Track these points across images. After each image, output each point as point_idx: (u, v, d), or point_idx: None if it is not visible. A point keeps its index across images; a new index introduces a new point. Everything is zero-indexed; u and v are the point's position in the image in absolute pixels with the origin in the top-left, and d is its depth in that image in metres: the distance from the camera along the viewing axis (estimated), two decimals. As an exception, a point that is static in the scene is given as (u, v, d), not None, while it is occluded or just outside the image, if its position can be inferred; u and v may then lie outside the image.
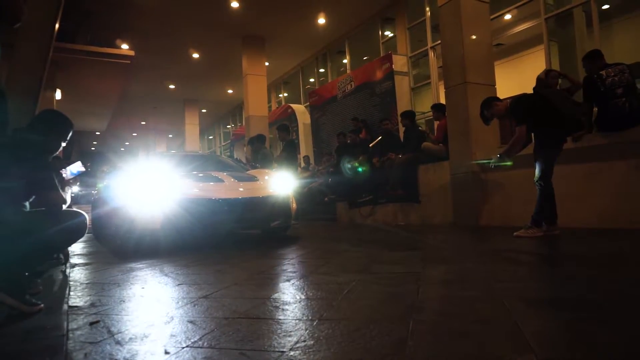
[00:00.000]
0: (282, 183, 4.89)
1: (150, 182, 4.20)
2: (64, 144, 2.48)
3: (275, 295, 2.10)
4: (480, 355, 1.24)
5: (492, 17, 6.90)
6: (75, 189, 7.14)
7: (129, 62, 10.91)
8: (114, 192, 5.03)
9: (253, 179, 4.88)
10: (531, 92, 4.61)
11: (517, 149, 4.00)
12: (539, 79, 5.35)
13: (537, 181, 3.85)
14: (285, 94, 15.91)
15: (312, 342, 1.37)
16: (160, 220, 3.90)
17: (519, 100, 4.14)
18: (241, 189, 4.55)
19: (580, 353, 1.23)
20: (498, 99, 4.45)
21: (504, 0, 8.12)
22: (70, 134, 2.48)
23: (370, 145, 7.61)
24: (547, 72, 5.40)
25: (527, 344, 1.27)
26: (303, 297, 2.03)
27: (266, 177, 4.97)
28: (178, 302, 2.00)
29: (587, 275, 2.31)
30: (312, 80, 14.19)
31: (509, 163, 4.03)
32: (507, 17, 8.53)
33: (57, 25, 5.20)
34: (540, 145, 3.92)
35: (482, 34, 5.93)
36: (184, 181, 4.40)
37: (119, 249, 4.32)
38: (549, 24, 7.59)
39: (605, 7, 7.39)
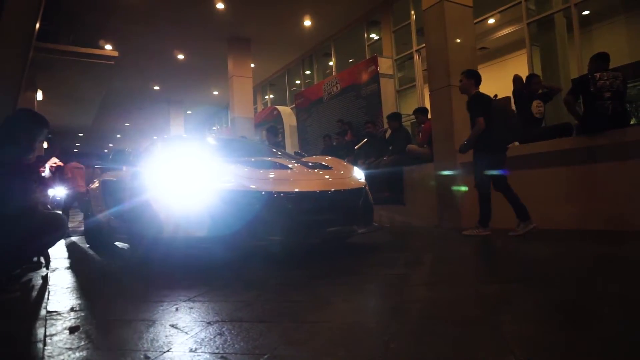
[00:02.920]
0: (359, 173, 3.81)
1: (191, 170, 3.04)
2: (40, 144, 2.43)
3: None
4: (461, 356, 1.25)
5: (475, 21, 6.98)
6: (63, 191, 6.95)
7: (112, 62, 10.77)
8: (128, 186, 3.78)
9: (326, 166, 3.76)
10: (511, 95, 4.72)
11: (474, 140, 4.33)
12: (517, 80, 5.45)
13: (475, 186, 4.30)
14: (271, 96, 15.88)
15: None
16: (207, 224, 2.76)
17: (482, 96, 4.44)
18: (328, 177, 3.46)
19: (560, 355, 1.24)
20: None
21: (487, 5, 8.22)
22: (45, 134, 2.44)
23: (356, 147, 7.63)
24: (531, 78, 5.49)
25: (507, 346, 1.28)
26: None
27: (339, 164, 3.88)
28: (162, 305, 1.98)
29: (576, 277, 2.35)
30: (298, 82, 14.19)
31: (463, 188, 4.29)
32: (491, 21, 8.64)
33: (37, 25, 5.11)
34: (478, 149, 4.27)
35: (466, 37, 6.00)
36: (239, 169, 3.18)
37: (136, 265, 3.44)
38: (531, 28, 7.71)
39: (586, 12, 7.54)
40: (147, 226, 3.08)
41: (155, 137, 5.03)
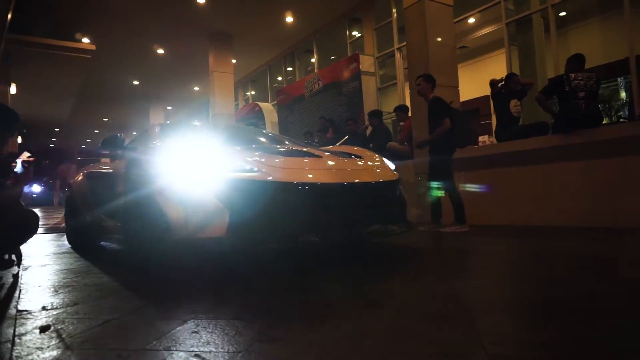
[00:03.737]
0: (390, 163, 3.43)
1: (206, 157, 2.60)
2: (13, 138, 2.37)
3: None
4: (435, 350, 1.27)
5: (455, 20, 7.06)
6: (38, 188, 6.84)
7: (89, 56, 10.55)
8: (124, 177, 3.20)
9: (357, 156, 3.36)
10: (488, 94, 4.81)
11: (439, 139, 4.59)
12: (494, 84, 5.55)
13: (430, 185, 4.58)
14: (253, 92, 15.78)
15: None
16: (226, 222, 2.31)
17: (443, 99, 4.75)
18: (364, 167, 3.08)
19: (531, 350, 1.27)
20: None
21: (467, 4, 8.31)
22: (16, 128, 2.37)
23: (337, 144, 7.64)
24: (510, 77, 5.58)
25: (480, 341, 1.30)
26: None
27: (369, 154, 3.53)
28: (134, 303, 1.95)
29: (553, 274, 2.40)
30: (279, 78, 14.12)
31: (440, 194, 4.50)
32: (471, 20, 8.74)
33: (9, 16, 4.95)
34: (437, 150, 4.54)
35: (446, 36, 6.06)
36: (265, 157, 2.76)
37: (129, 269, 3.01)
38: (509, 28, 7.83)
39: (562, 14, 7.68)
40: (149, 225, 2.58)
41: (155, 123, 4.40)
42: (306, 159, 2.96)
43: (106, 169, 4.03)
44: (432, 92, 4.77)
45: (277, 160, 2.78)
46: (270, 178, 2.49)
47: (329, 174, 2.75)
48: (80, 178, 4.58)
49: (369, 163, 3.22)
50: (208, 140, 3.43)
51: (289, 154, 3.08)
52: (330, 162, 2.97)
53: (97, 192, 4.01)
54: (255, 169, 2.52)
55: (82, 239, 4.35)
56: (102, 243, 4.53)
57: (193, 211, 2.39)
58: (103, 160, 5.04)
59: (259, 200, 2.40)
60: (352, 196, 2.74)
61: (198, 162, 2.55)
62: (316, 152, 3.23)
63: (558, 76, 4.78)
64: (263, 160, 2.69)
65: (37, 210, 3.43)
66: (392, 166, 3.36)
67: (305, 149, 3.39)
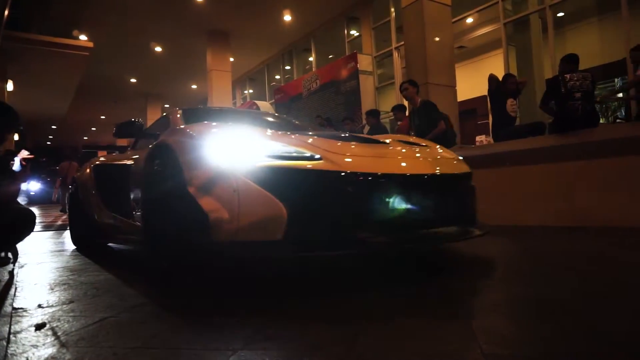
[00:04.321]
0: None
1: (256, 143, 2.09)
2: (10, 136, 2.36)
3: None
4: (429, 351, 1.27)
5: (453, 20, 7.07)
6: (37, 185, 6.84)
7: (87, 53, 10.53)
8: (144, 170, 2.60)
9: (421, 145, 2.91)
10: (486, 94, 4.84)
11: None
12: (492, 79, 5.56)
13: None
14: (251, 91, 15.77)
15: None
16: (284, 222, 1.86)
17: (432, 102, 5.03)
18: (438, 157, 2.65)
19: (528, 349, 1.28)
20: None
21: (465, 4, 8.33)
22: (14, 126, 2.37)
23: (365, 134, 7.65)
24: (507, 78, 5.60)
25: (475, 340, 1.30)
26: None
27: (432, 143, 3.07)
28: (130, 302, 1.95)
29: (550, 273, 2.41)
30: (277, 77, 14.12)
31: None
32: (469, 20, 8.76)
33: (6, 12, 4.93)
34: None
35: (444, 36, 6.07)
36: (327, 143, 2.30)
37: (133, 272, 2.78)
38: (507, 28, 7.86)
39: (560, 14, 7.71)
40: (181, 225, 2.13)
41: (176, 108, 3.63)
42: (373, 146, 2.54)
43: (118, 161, 3.58)
44: (417, 95, 5.08)
45: (340, 146, 2.32)
46: (341, 167, 2.01)
47: (410, 164, 2.31)
48: (85, 172, 4.12)
49: (441, 152, 2.79)
50: (247, 124, 2.89)
51: (351, 139, 2.62)
52: (402, 150, 2.54)
53: (106, 187, 3.63)
54: (317, 156, 2.03)
55: (88, 239, 3.99)
56: (108, 244, 4.17)
57: (240, 209, 1.87)
58: (101, 153, 4.85)
59: (326, 194, 1.96)
60: (434, 191, 2.33)
61: (244, 148, 2.02)
62: (380, 139, 2.84)
63: (553, 78, 4.81)
64: (325, 146, 2.21)
65: (34, 209, 3.42)
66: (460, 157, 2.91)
67: (360, 135, 3.00)
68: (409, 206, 2.12)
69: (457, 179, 2.52)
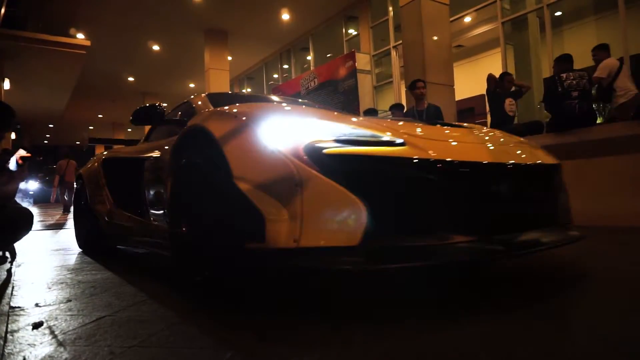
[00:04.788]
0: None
1: (313, 128, 1.69)
2: (7, 133, 2.34)
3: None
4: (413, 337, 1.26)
5: (451, 19, 7.08)
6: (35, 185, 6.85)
7: (84, 52, 10.49)
8: (168, 163, 2.24)
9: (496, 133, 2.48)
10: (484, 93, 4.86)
11: None
12: (491, 79, 5.57)
13: None
14: (249, 90, 15.76)
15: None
16: (363, 224, 1.46)
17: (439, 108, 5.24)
18: (522, 142, 2.31)
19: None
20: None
21: (463, 3, 8.34)
22: (11, 124, 2.36)
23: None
24: (504, 76, 5.62)
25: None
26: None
27: (492, 129, 2.63)
28: (127, 300, 1.95)
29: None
30: (275, 76, 14.11)
31: None
32: (467, 19, 8.77)
33: (2, 10, 4.91)
34: None
35: (442, 35, 6.07)
36: (405, 127, 1.96)
37: (131, 270, 2.68)
38: (505, 27, 7.86)
39: (558, 13, 7.72)
40: (225, 229, 1.71)
41: (195, 95, 3.01)
42: (454, 130, 2.17)
43: (132, 154, 3.18)
44: None
45: (421, 130, 1.94)
46: (431, 155, 1.60)
47: (505, 152, 1.93)
48: (93, 167, 3.74)
49: (519, 139, 2.42)
50: (297, 107, 2.39)
51: (415, 121, 2.26)
52: (486, 137, 2.16)
53: (118, 184, 3.29)
54: (400, 140, 1.64)
55: (95, 241, 3.64)
56: (117, 247, 3.77)
57: (304, 207, 1.48)
58: (117, 147, 4.02)
59: (417, 189, 1.56)
60: (534, 184, 1.98)
61: (307, 131, 1.63)
62: (454, 122, 2.40)
63: (548, 77, 4.85)
64: (404, 129, 1.86)
65: (33, 208, 3.41)
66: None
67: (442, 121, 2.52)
68: (512, 203, 1.80)
69: (553, 171, 2.11)
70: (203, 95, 3.06)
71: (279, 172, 1.54)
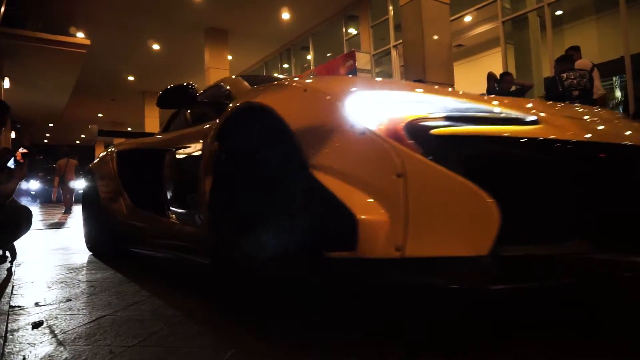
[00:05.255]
0: None
1: (418, 101, 1.31)
2: (3, 127, 2.33)
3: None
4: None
5: (452, 18, 7.07)
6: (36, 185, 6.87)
7: (84, 51, 10.48)
8: (222, 146, 1.76)
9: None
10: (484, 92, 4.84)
11: None
12: (491, 77, 5.57)
13: None
14: (249, 89, 15.75)
15: (264, 338, 1.34)
16: (495, 227, 1.06)
17: None
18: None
19: (523, 344, 1.24)
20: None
21: (464, 2, 8.33)
22: (4, 118, 2.34)
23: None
24: (503, 76, 5.62)
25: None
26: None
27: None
28: (127, 300, 1.94)
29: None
30: (275, 75, 14.11)
31: None
32: (467, 19, 8.76)
33: (2, 9, 4.90)
34: None
35: (443, 34, 6.07)
36: (538, 103, 1.62)
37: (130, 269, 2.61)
38: (505, 27, 7.86)
39: (559, 12, 7.71)
40: (296, 234, 1.36)
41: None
42: (583, 108, 1.80)
43: (153, 145, 2.85)
44: None
45: (547, 104, 1.68)
46: (573, 137, 1.21)
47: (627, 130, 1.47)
48: (105, 160, 3.36)
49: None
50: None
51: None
52: (601, 112, 1.75)
53: (136, 179, 2.98)
54: (532, 118, 1.25)
55: (107, 242, 3.34)
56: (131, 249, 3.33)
57: (410, 205, 1.12)
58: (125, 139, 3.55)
59: (563, 180, 1.18)
60: None
61: (405, 107, 1.25)
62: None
63: (549, 78, 4.86)
64: (529, 104, 1.50)
65: (38, 208, 3.39)
66: None
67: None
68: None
69: None
70: (235, 76, 2.69)
71: (374, 160, 1.18)
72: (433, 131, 1.16)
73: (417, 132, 1.17)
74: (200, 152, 1.99)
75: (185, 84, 2.17)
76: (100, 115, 21.35)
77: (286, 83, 1.60)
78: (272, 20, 11.04)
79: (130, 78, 15.46)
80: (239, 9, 10.31)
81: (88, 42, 10.53)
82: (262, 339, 1.36)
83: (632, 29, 6.14)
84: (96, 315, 1.73)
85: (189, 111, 2.89)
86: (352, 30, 10.99)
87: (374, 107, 1.26)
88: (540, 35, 7.66)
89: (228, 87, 2.46)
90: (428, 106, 1.26)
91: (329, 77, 1.79)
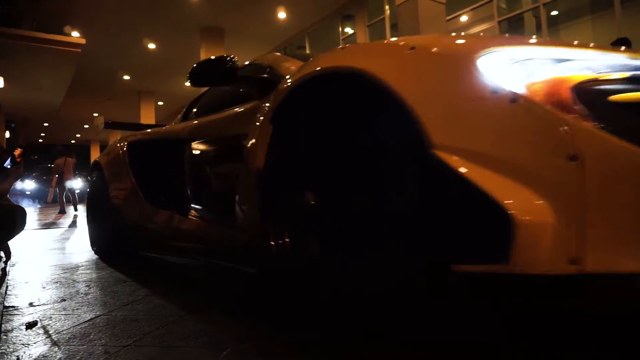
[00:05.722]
0: None
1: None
2: None
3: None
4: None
5: (448, 18, 7.09)
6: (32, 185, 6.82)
7: (79, 50, 10.44)
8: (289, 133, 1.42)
9: None
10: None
11: None
12: None
13: None
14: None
15: (260, 338, 1.34)
16: None
17: None
18: None
19: None
20: None
21: (459, 2, 8.35)
22: None
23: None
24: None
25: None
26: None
27: None
28: (123, 299, 1.93)
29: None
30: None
31: None
32: (463, 18, 8.78)
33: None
34: None
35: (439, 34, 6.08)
36: None
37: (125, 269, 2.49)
38: (501, 27, 7.88)
39: (554, 13, 7.74)
40: (397, 238, 1.09)
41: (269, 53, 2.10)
42: None
43: (172, 136, 2.52)
44: None
45: None
46: None
47: None
48: (115, 153, 3.01)
49: None
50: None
51: None
52: None
53: (152, 174, 2.67)
54: None
55: (116, 245, 3.06)
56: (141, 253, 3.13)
57: (589, 200, 0.82)
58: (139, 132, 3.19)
59: None
60: None
61: (565, 70, 0.93)
62: None
63: None
64: None
65: (34, 209, 3.38)
66: None
67: None
68: None
69: None
70: (275, 53, 2.34)
71: (533, 137, 0.87)
72: (614, 97, 0.87)
73: (592, 98, 0.86)
74: (246, 140, 1.63)
75: (224, 55, 1.72)
76: (95, 114, 21.23)
77: (396, 42, 1.22)
78: (269, 19, 11.03)
79: (126, 77, 15.40)
80: (235, 8, 10.29)
81: (83, 41, 10.49)
82: (262, 338, 1.36)
83: (626, 29, 6.17)
84: (91, 315, 1.72)
85: (215, 95, 2.52)
86: (349, 30, 11.00)
87: (522, 68, 0.94)
88: (537, 35, 7.70)
89: (269, 64, 2.05)
90: (593, 65, 0.94)
91: (443, 34, 1.34)
